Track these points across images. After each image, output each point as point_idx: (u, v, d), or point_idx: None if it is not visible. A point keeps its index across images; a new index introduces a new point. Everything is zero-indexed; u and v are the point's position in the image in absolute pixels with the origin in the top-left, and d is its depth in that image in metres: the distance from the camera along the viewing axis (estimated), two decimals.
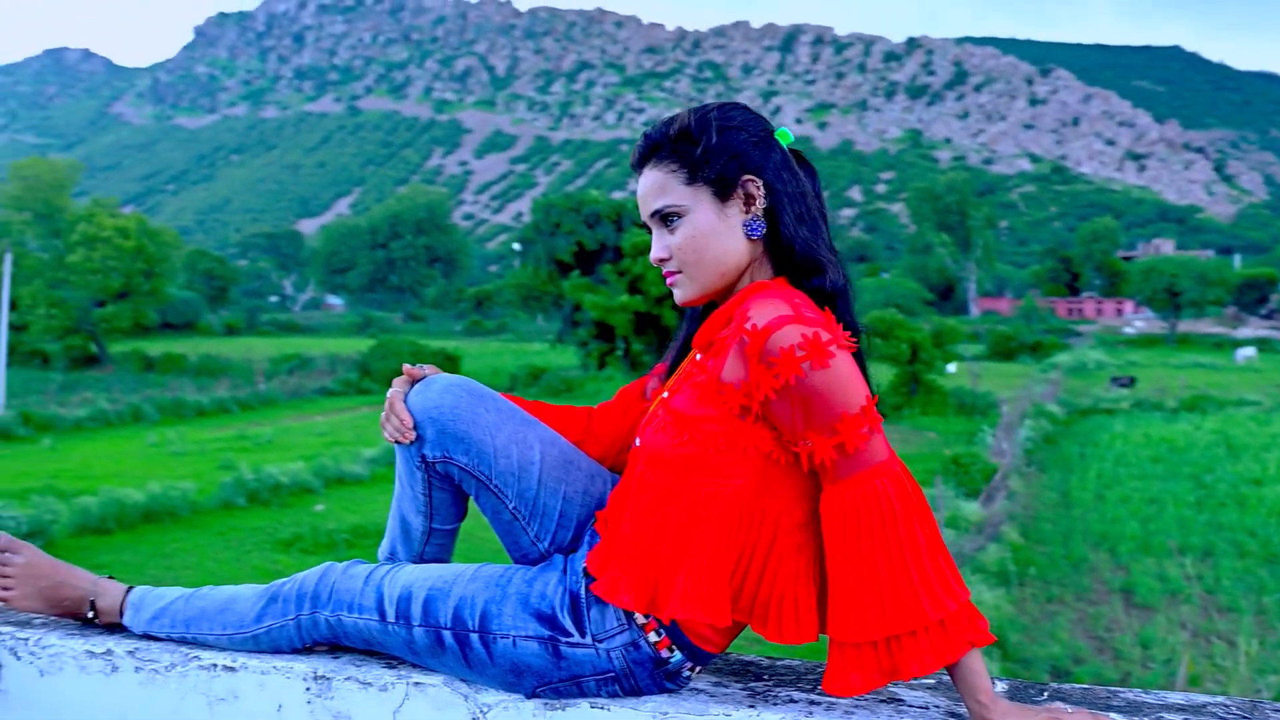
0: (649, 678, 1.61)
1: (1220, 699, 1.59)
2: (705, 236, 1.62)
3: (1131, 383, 35.34)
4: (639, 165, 1.70)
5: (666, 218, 1.65)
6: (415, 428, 1.68)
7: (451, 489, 1.75)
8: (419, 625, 1.65)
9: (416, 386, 1.72)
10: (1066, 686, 1.65)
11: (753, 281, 1.65)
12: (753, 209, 1.63)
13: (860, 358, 1.59)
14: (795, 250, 1.62)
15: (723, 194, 1.62)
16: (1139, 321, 79.05)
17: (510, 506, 1.69)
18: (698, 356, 1.65)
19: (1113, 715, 1.51)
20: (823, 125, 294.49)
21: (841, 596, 1.49)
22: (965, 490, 17.18)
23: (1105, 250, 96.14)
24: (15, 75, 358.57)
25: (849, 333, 1.54)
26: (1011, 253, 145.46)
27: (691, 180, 1.63)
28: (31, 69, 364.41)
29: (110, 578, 1.91)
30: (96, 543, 14.42)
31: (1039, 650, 10.07)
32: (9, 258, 29.41)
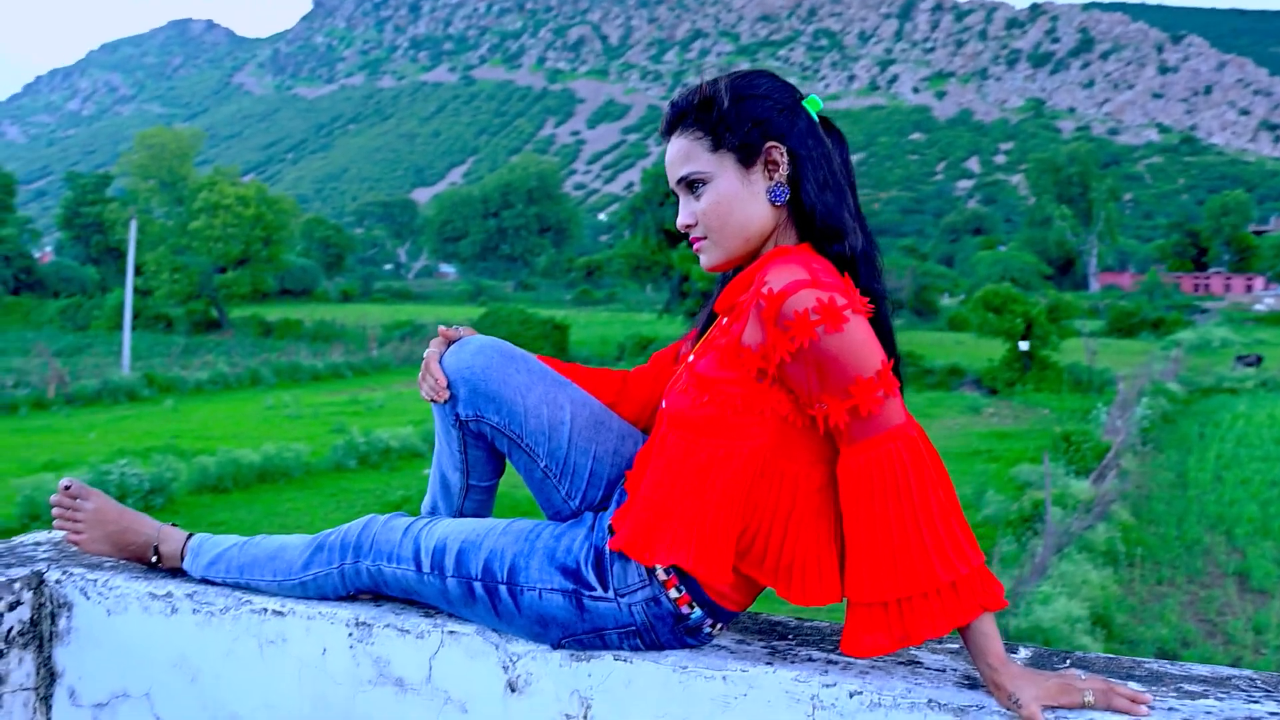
0: (669, 633, 1.65)
1: (1246, 672, 1.57)
2: (729, 202, 1.66)
3: (1258, 361, 34.09)
4: (667, 133, 1.74)
5: (692, 184, 1.70)
6: (449, 387, 1.75)
7: (486, 447, 1.81)
8: (452, 576, 1.72)
9: (452, 348, 1.79)
10: (1091, 655, 1.65)
11: (776, 247, 1.67)
12: (776, 175, 1.65)
13: (884, 323, 1.63)
14: (817, 216, 1.64)
15: (746, 161, 1.66)
16: (1269, 299, 76.09)
17: (542, 465, 1.75)
18: (724, 321, 1.68)
19: (1131, 684, 1.50)
20: (941, 95, 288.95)
21: (856, 558, 1.53)
22: (1075, 468, 16.78)
23: (1235, 224, 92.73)
24: (143, 47, 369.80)
25: (868, 298, 1.56)
26: (1136, 226, 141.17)
27: (716, 147, 1.67)
28: (158, 40, 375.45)
29: (174, 525, 2.00)
30: (214, 501, 14.90)
31: (1146, 632, 9.82)
32: (134, 224, 30.38)
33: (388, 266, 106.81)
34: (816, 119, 1.71)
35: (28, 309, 56.27)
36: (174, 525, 2.00)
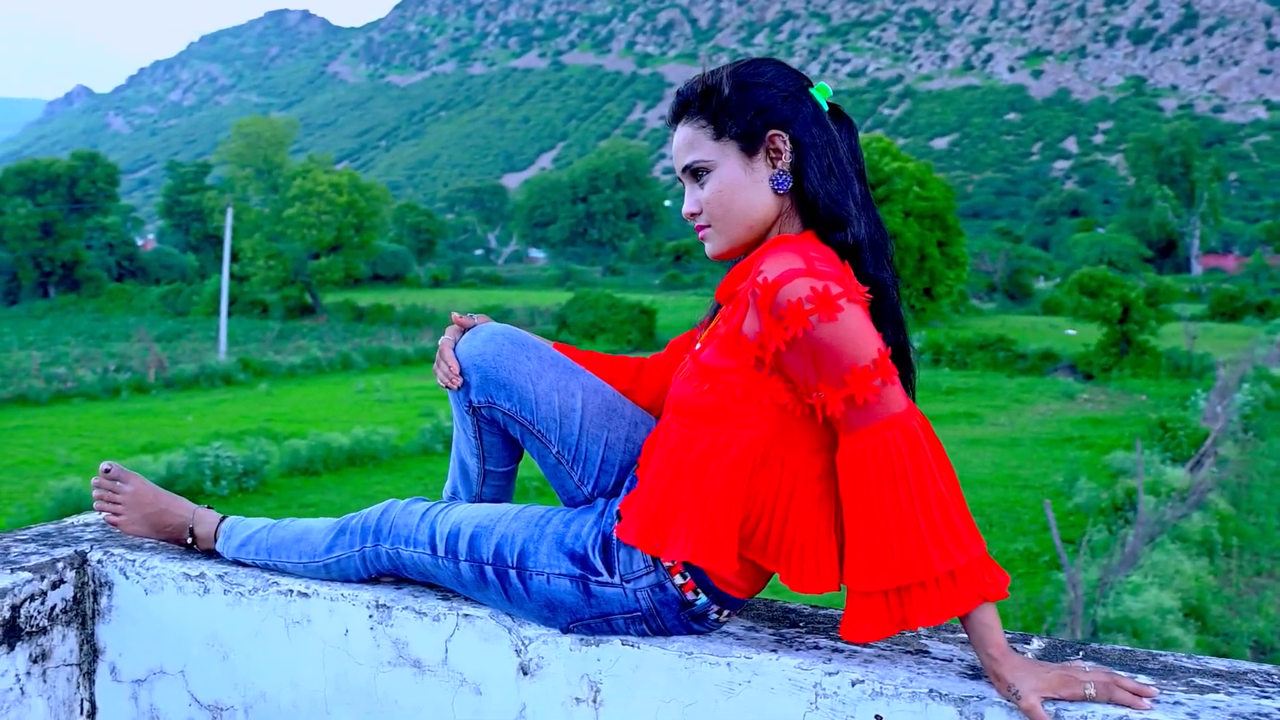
0: (675, 619, 1.67)
1: (1265, 667, 1.54)
2: (732, 190, 1.68)
3: None
4: (673, 122, 1.76)
5: (696, 173, 1.72)
6: (461, 374, 1.78)
7: (500, 433, 1.84)
8: (465, 560, 1.75)
9: (465, 335, 1.82)
10: (1106, 647, 1.64)
11: (778, 235, 1.68)
12: (779, 163, 1.66)
13: (891, 310, 1.65)
14: (820, 204, 1.64)
15: (749, 149, 1.67)
16: None
17: (554, 451, 1.77)
18: (726, 310, 1.69)
19: (1141, 677, 1.48)
20: (1037, 74, 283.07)
21: (854, 546, 1.53)
22: (1171, 456, 16.37)
23: None
24: (241, 37, 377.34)
25: (869, 287, 1.57)
26: (1241, 207, 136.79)
27: (719, 135, 1.69)
28: (255, 31, 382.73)
29: (209, 508, 2.05)
30: (305, 483, 15.21)
31: (1242, 625, 9.56)
32: (230, 212, 31.08)
33: (478, 252, 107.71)
34: (825, 106, 1.71)
35: (130, 295, 57.92)
36: (208, 508, 2.05)
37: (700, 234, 1.74)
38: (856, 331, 1.49)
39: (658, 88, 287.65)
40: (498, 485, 1.92)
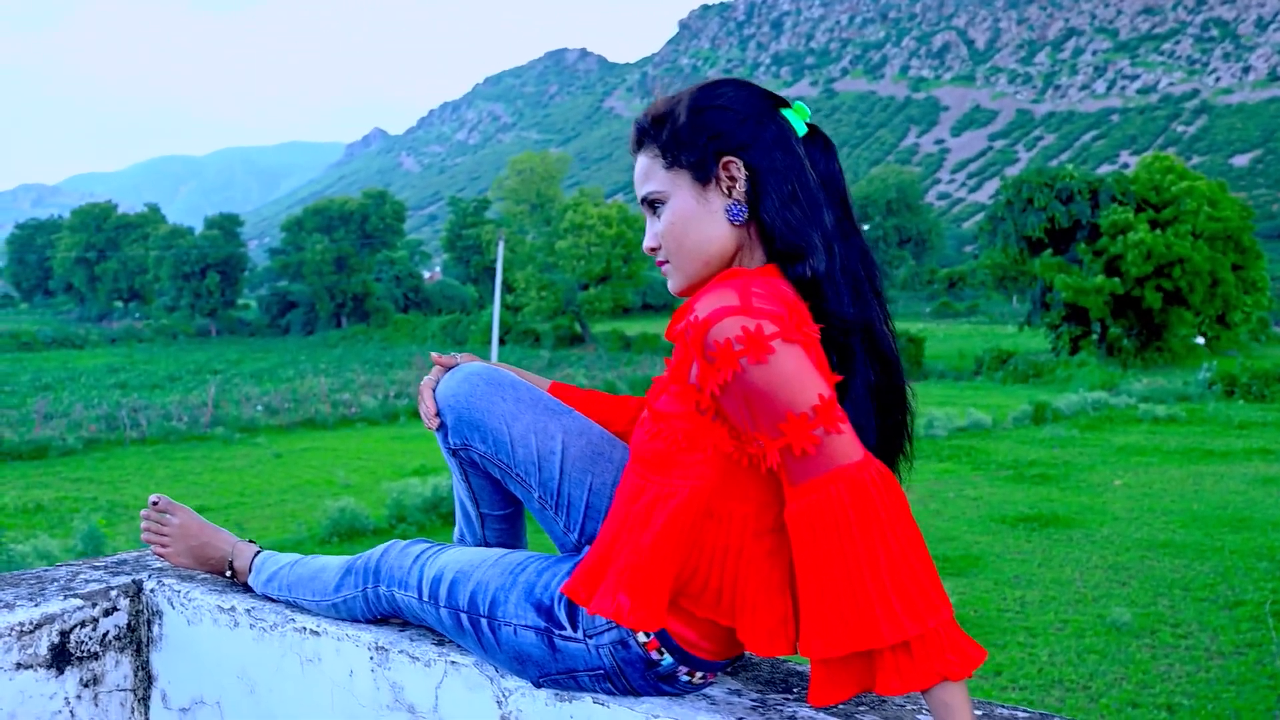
0: (641, 679, 1.55)
1: None
2: (684, 223, 1.56)
3: None
4: (633, 151, 1.64)
5: (653, 204, 1.59)
6: (439, 415, 1.72)
7: (486, 476, 1.76)
8: (444, 606, 1.68)
9: (445, 375, 1.75)
10: None
11: (727, 269, 1.54)
12: (734, 192, 1.52)
13: (871, 350, 1.49)
14: (777, 234, 1.50)
15: (702, 177, 1.54)
16: None
17: (536, 495, 1.68)
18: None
19: None
20: None
21: (804, 608, 1.41)
22: None
23: None
24: (522, 77, 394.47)
25: (822, 325, 1.42)
26: None
27: (671, 165, 1.56)
28: (536, 70, 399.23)
29: (251, 541, 2.07)
30: None
31: None
32: (501, 244, 32.43)
33: None
34: (803, 128, 1.57)
35: (414, 325, 61.31)
36: (250, 541, 2.07)
37: (661, 270, 1.62)
38: (791, 375, 1.35)
39: (932, 112, 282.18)
40: (500, 529, 1.85)
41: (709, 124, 1.55)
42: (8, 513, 16.91)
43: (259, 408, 29.46)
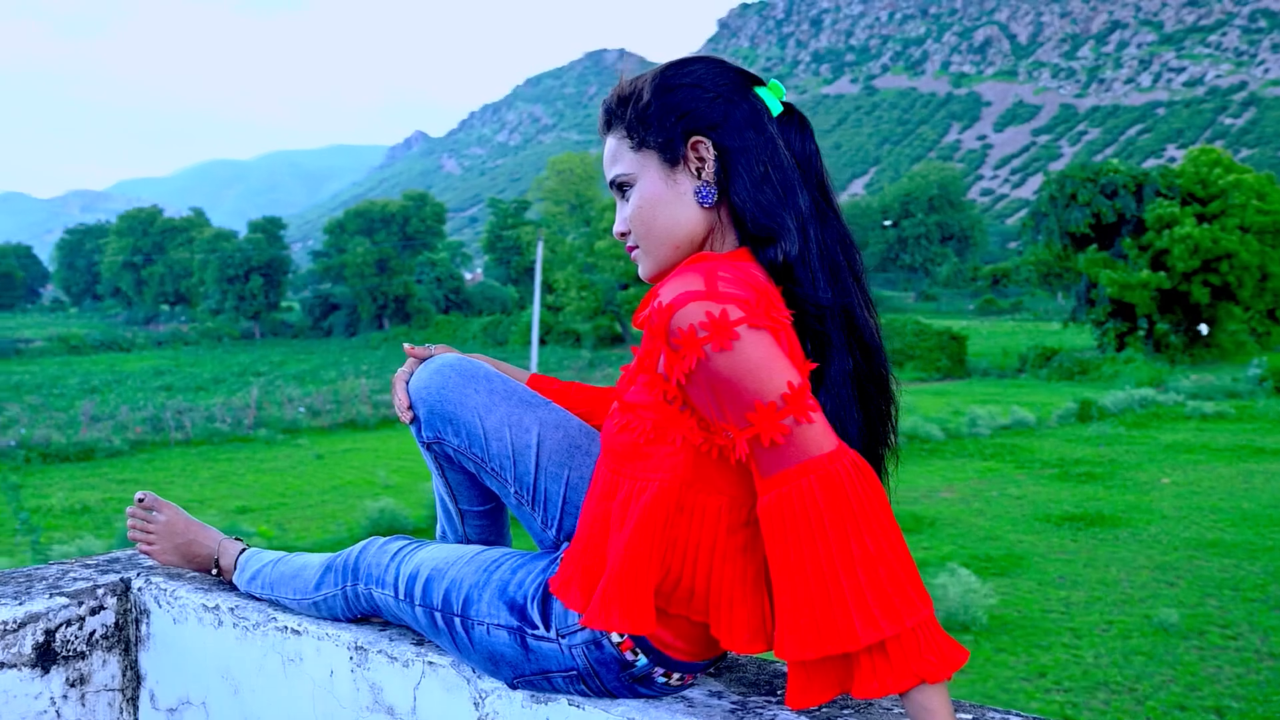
0: (616, 680, 1.48)
1: None
2: (652, 206, 1.49)
3: None
4: (602, 133, 1.57)
5: (621, 187, 1.52)
6: (411, 409, 1.66)
7: (463, 470, 1.70)
8: (419, 605, 1.62)
9: (419, 367, 1.70)
10: None
11: (697, 254, 1.46)
12: (704, 173, 1.45)
13: (853, 337, 1.42)
14: (747, 217, 1.42)
15: (670, 158, 1.47)
16: None
17: (512, 491, 1.62)
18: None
19: None
20: None
21: (778, 607, 1.33)
22: None
23: None
24: (562, 79, 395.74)
25: (800, 309, 1.35)
26: None
27: (638, 146, 1.49)
28: (575, 71, 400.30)
29: (237, 539, 2.02)
30: None
31: None
32: (540, 245, 32.44)
33: None
34: (775, 106, 1.49)
35: (455, 326, 61.58)
36: (236, 539, 2.02)
37: (631, 255, 1.55)
38: (759, 362, 1.28)
39: (974, 107, 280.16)
40: (480, 525, 1.79)
41: (677, 103, 1.48)
42: (55, 514, 17.08)
43: (301, 409, 29.64)
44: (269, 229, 73.58)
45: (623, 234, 1.54)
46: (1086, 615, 9.50)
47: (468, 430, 1.62)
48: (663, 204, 1.48)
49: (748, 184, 1.44)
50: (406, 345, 1.75)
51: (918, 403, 25.83)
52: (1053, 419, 23.11)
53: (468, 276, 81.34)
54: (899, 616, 1.25)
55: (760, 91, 1.50)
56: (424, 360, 1.72)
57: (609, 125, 1.55)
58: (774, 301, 1.35)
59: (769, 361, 1.29)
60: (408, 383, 1.69)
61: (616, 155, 1.53)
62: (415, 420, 1.68)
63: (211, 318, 73.11)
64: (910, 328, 40.62)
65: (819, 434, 1.29)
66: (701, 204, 1.46)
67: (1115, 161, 45.52)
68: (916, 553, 11.51)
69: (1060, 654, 8.56)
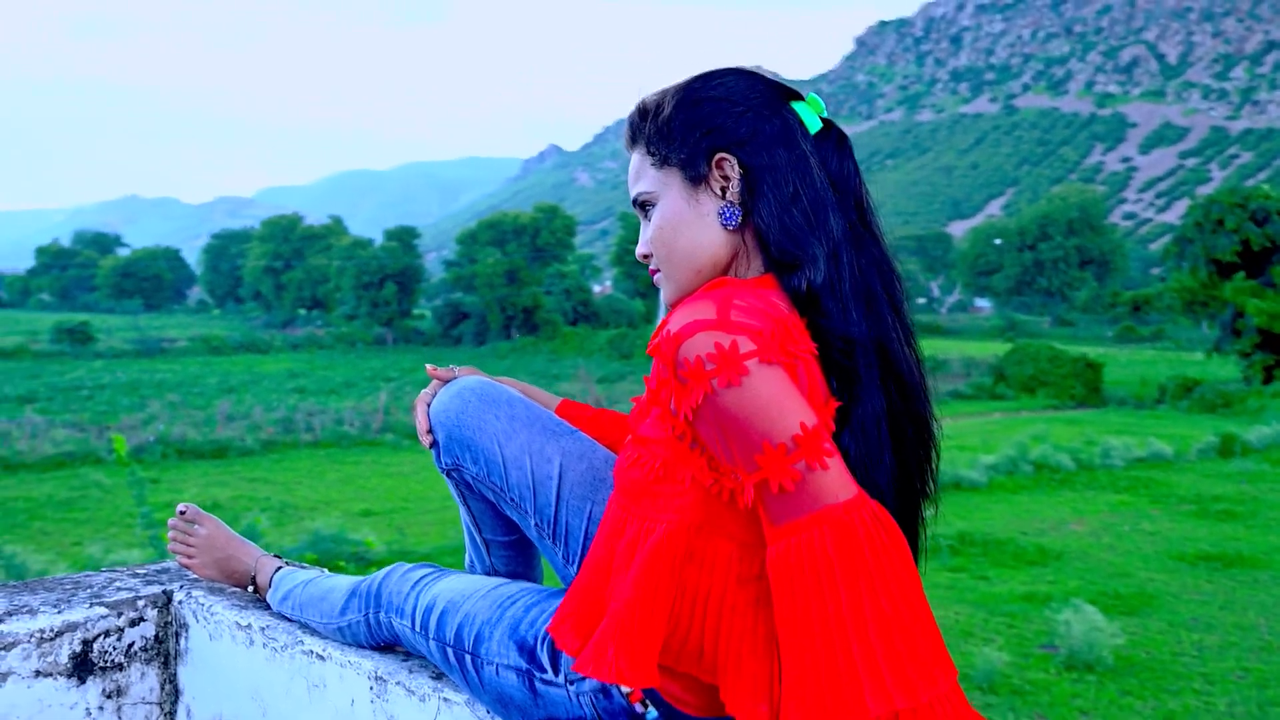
0: None
1: None
2: (674, 227, 1.38)
3: None
4: (628, 149, 1.45)
5: (644, 207, 1.40)
6: (431, 433, 1.58)
7: (485, 499, 1.61)
8: (433, 638, 1.54)
9: (440, 390, 1.62)
10: None
11: (717, 279, 1.33)
12: (728, 193, 1.33)
13: (886, 372, 1.29)
14: (771, 241, 1.29)
15: (694, 177, 1.36)
16: None
17: (533, 522, 1.52)
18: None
19: None
20: None
21: (785, 669, 1.20)
22: None
23: None
24: None
25: (819, 343, 1.23)
26: None
27: (660, 164, 1.38)
28: None
29: (277, 555, 1.97)
30: None
31: None
32: None
33: (920, 300, 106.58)
34: (814, 122, 1.36)
35: (582, 338, 62.05)
36: (276, 556, 1.97)
37: (654, 279, 1.44)
38: (769, 400, 1.17)
39: (1119, 129, 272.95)
40: (507, 556, 1.69)
41: (702, 117, 1.37)
42: None
43: None
44: (404, 238, 75.20)
45: (645, 256, 1.43)
46: (1221, 661, 9.03)
47: (486, 457, 1.54)
48: (684, 225, 1.37)
49: (774, 205, 1.33)
50: (429, 366, 1.67)
51: (1049, 431, 25.07)
52: (1192, 453, 22.22)
53: (596, 289, 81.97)
54: (914, 688, 1.13)
55: (797, 106, 1.39)
56: (447, 382, 1.64)
57: (633, 140, 1.45)
58: (792, 333, 1.23)
59: (780, 400, 1.17)
60: (429, 405, 1.61)
61: (639, 172, 1.43)
62: (435, 445, 1.59)
63: (346, 323, 74.95)
64: (1044, 353, 39.59)
65: (835, 481, 1.17)
66: (725, 226, 1.36)
67: (1267, 187, 43.80)
68: (1041, 586, 11.13)
69: (1190, 700, 8.14)
